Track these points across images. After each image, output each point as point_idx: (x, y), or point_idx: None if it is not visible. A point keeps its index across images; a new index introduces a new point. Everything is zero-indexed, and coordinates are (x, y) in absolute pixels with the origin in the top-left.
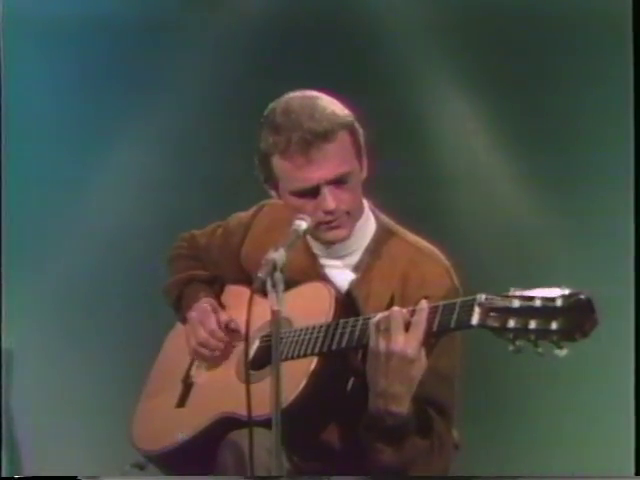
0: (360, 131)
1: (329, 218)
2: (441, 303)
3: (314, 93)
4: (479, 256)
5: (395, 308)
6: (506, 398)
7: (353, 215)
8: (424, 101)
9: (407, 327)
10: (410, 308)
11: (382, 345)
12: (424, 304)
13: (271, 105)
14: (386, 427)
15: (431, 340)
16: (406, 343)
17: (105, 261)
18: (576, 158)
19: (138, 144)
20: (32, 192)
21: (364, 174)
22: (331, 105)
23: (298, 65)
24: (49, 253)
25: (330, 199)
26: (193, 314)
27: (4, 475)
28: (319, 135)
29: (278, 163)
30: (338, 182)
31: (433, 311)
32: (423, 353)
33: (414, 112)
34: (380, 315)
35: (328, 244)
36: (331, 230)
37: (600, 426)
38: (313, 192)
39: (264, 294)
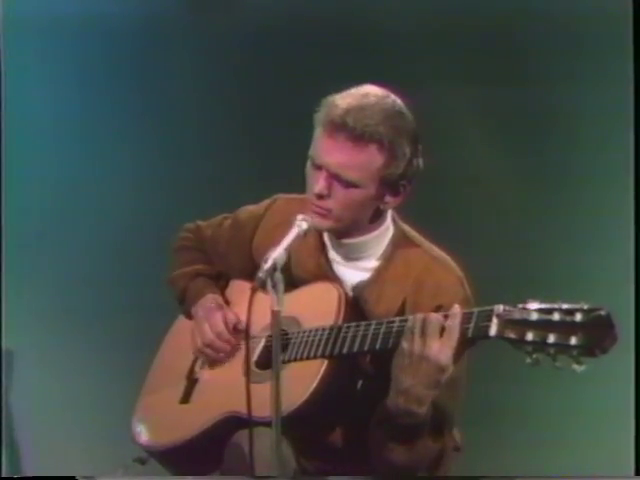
0: (396, 161)
1: (315, 202)
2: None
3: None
4: (482, 263)
5: (432, 313)
6: (506, 399)
7: (339, 218)
8: (425, 103)
9: (441, 333)
10: (443, 313)
11: (417, 347)
12: (457, 309)
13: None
14: (402, 425)
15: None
16: (441, 350)
17: (105, 260)
18: (576, 159)
19: (138, 143)
20: (32, 192)
21: (387, 202)
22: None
23: (299, 65)
24: (49, 253)
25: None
26: (199, 312)
27: (4, 475)
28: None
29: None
30: (340, 179)
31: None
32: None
33: (416, 114)
34: (416, 317)
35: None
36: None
37: (600, 426)
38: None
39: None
